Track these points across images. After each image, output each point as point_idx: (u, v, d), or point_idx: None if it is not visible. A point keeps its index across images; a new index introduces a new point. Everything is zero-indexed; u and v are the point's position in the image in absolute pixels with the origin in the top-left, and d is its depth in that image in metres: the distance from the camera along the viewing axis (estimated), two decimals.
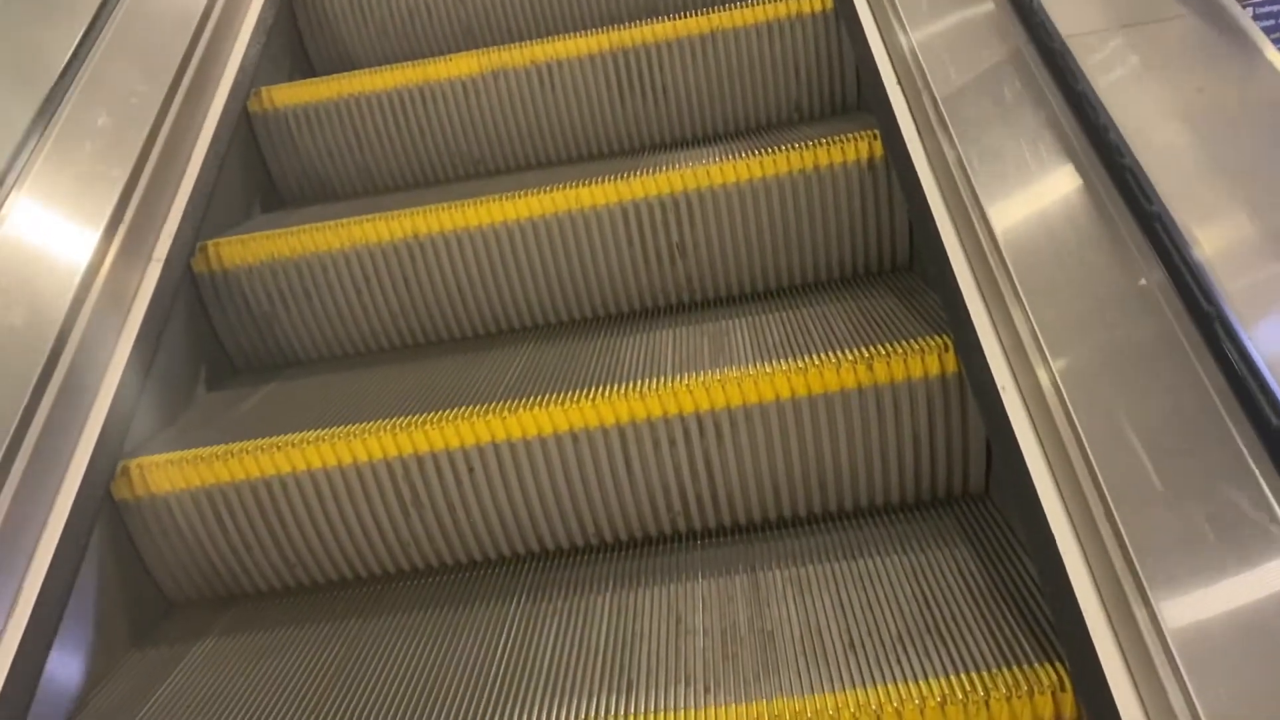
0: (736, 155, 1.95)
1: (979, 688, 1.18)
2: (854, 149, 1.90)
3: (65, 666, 1.45)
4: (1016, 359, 1.33)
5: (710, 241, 1.98)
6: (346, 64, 2.74)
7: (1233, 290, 1.08)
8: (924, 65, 1.74)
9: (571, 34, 2.32)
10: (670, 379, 1.60)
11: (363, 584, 1.69)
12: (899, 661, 1.26)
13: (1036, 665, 1.19)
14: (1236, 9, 1.39)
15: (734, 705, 1.24)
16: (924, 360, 1.53)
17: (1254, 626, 0.92)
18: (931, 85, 1.69)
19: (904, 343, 1.56)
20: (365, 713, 1.37)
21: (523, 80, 2.32)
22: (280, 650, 1.54)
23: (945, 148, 1.61)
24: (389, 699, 1.39)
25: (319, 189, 2.46)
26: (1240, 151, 1.30)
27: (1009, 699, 1.15)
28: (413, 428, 1.60)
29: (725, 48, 2.28)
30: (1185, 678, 0.92)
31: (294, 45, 2.72)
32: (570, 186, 1.95)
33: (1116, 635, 1.04)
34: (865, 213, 1.95)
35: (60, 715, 1.44)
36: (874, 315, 1.76)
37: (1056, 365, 1.22)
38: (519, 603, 1.55)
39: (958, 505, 1.59)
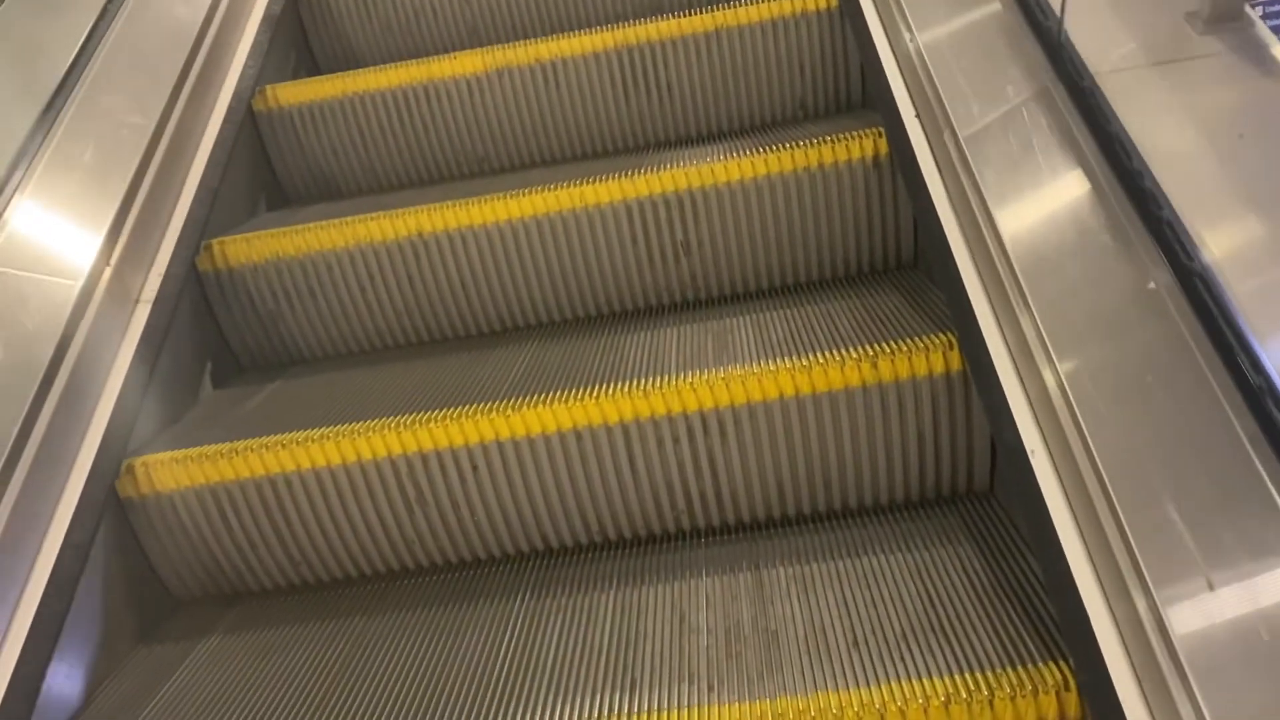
0: (741, 153, 1.95)
1: (983, 687, 1.17)
2: (858, 147, 1.89)
3: (71, 663, 1.46)
4: (1021, 356, 1.32)
5: (714, 239, 1.98)
6: (351, 61, 2.75)
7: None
8: (928, 62, 1.74)
9: (576, 32, 2.32)
10: (674, 377, 1.60)
11: (367, 582, 1.69)
12: (903, 660, 1.26)
13: (1041, 664, 1.19)
14: (1277, 48, 1.31)
15: (737, 704, 1.24)
16: (928, 358, 1.52)
17: (1259, 625, 0.92)
18: (936, 82, 1.68)
19: (908, 341, 1.56)
20: (370, 710, 1.37)
21: (527, 78, 2.32)
22: (285, 648, 1.55)
23: (950, 145, 1.60)
24: (393, 696, 1.39)
25: (324, 187, 2.47)
26: None
27: (1013, 698, 1.15)
28: (417, 426, 1.60)
29: (730, 45, 2.28)
30: (1190, 677, 0.92)
31: (298, 42, 2.73)
32: (574, 184, 1.95)
33: (1121, 634, 1.04)
34: (870, 210, 1.95)
35: (66, 711, 1.44)
36: (878, 313, 1.75)
37: (1062, 364, 1.22)
38: (523, 601, 1.55)
39: (962, 503, 1.59)
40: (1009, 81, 1.57)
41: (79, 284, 1.67)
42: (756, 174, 1.92)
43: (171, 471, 1.63)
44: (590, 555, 1.65)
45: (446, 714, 1.33)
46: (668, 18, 2.28)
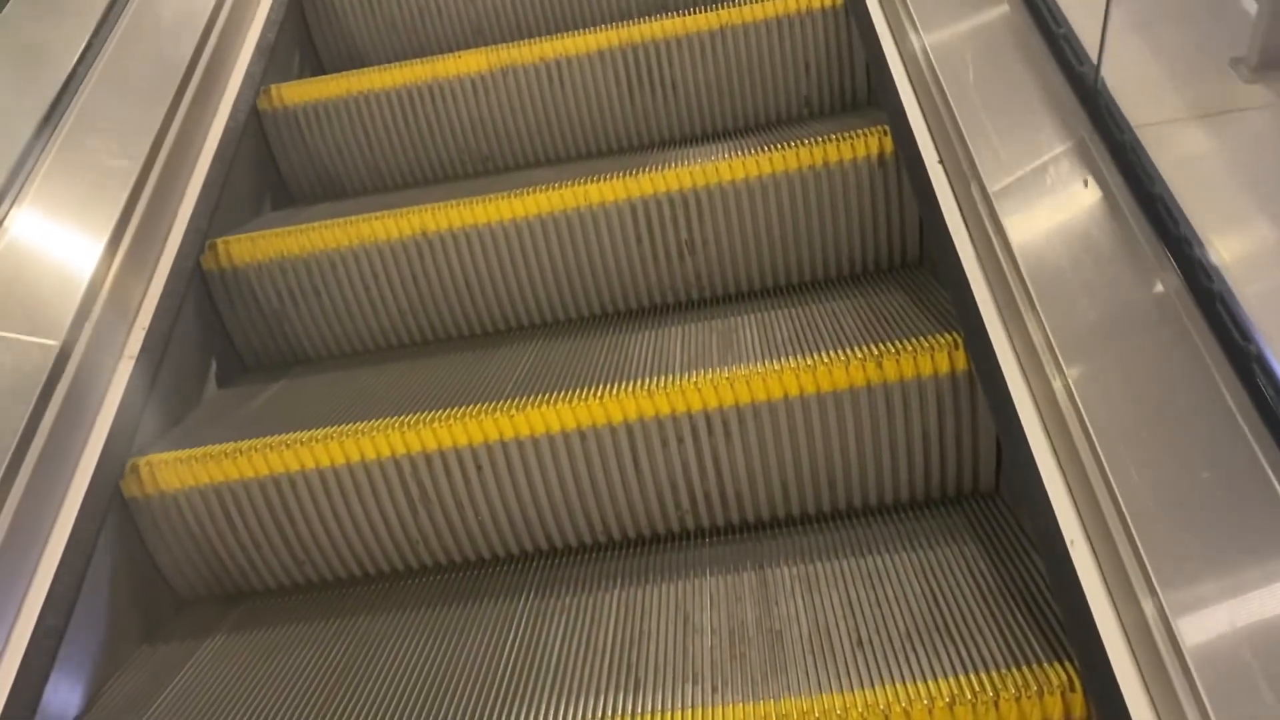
0: (746, 151, 1.94)
1: (988, 688, 1.17)
2: (864, 145, 1.89)
3: (75, 662, 1.46)
4: (1027, 356, 1.32)
5: (719, 238, 1.98)
6: (355, 60, 2.75)
7: None
8: (934, 61, 1.73)
9: (581, 31, 2.31)
10: (679, 376, 1.60)
11: (371, 581, 1.69)
12: (908, 661, 1.26)
13: (1046, 665, 1.18)
14: None
15: (741, 704, 1.24)
16: (934, 358, 1.52)
17: (1264, 625, 0.91)
18: (942, 81, 1.67)
19: (914, 340, 1.55)
20: (374, 709, 1.37)
21: (532, 77, 2.32)
22: (289, 647, 1.55)
23: (955, 144, 1.60)
24: (397, 695, 1.39)
25: (329, 186, 2.47)
26: None
27: (1018, 699, 1.15)
28: (421, 425, 1.60)
29: (735, 44, 2.27)
30: (1195, 677, 0.91)
31: (303, 41, 2.73)
32: (579, 183, 1.95)
33: (1126, 634, 1.04)
34: (875, 209, 1.94)
35: (71, 710, 1.44)
36: (883, 312, 1.75)
37: (1068, 363, 1.21)
38: (527, 600, 1.55)
39: (967, 503, 1.58)
40: (1016, 79, 1.56)
41: (83, 283, 1.67)
42: (761, 172, 1.92)
43: (176, 471, 1.63)
44: (594, 555, 1.64)
45: (450, 713, 1.33)
46: (672, 16, 2.27)
